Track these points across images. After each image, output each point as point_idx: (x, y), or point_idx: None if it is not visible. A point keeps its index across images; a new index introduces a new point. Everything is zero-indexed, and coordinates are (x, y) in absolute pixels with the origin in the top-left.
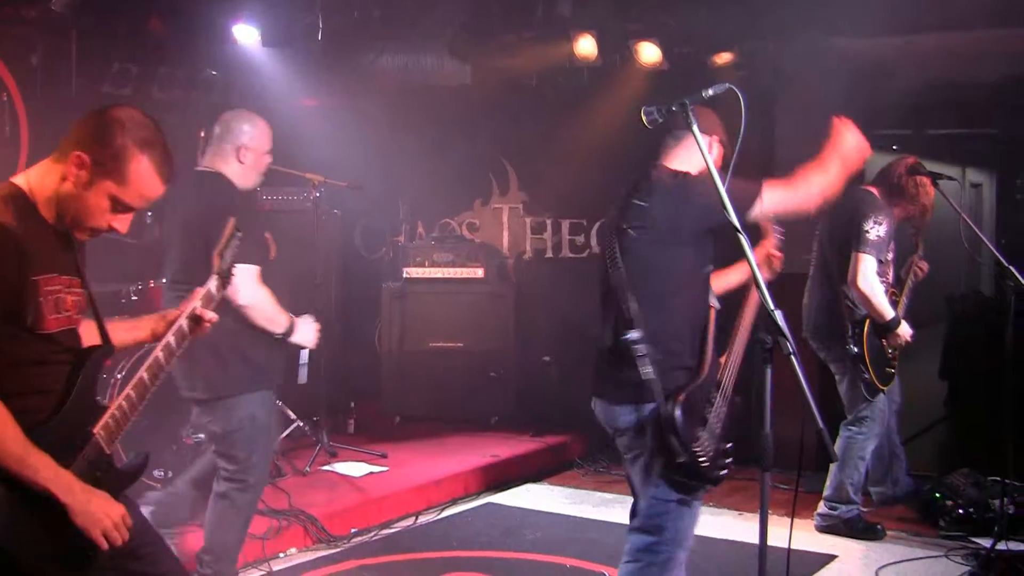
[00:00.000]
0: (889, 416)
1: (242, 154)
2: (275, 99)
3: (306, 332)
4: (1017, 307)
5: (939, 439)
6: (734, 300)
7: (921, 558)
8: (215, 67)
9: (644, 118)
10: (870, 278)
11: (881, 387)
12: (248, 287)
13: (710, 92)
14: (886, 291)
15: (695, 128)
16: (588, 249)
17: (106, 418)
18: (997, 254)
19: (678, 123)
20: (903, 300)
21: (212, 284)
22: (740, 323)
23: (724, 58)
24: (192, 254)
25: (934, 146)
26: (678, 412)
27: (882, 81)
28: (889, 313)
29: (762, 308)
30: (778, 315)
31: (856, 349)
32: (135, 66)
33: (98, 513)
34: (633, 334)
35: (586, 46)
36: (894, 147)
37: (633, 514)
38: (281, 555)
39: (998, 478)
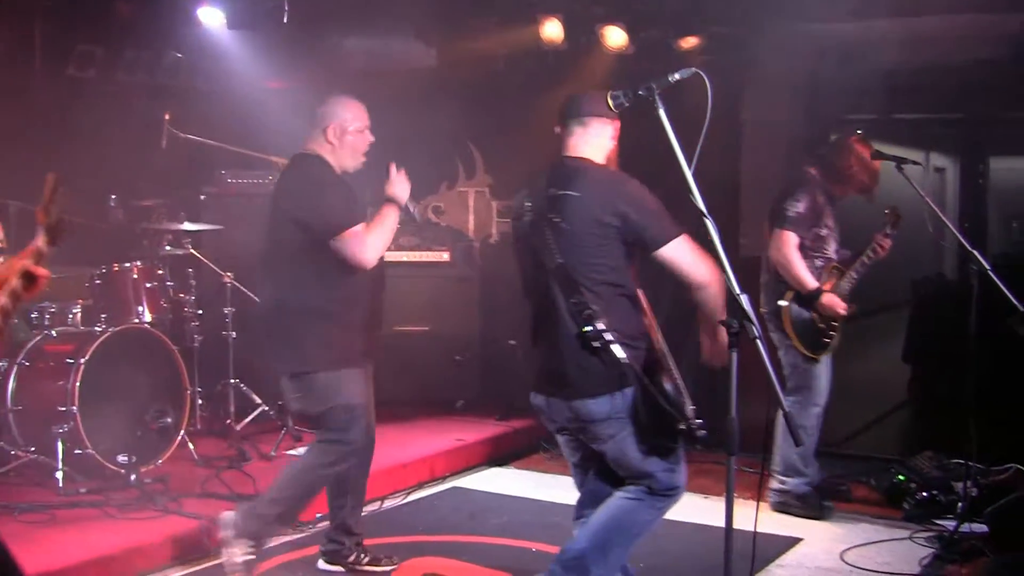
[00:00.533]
0: None
1: (330, 134)
2: (241, 82)
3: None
4: (981, 291)
5: (903, 422)
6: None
7: (886, 540)
8: (180, 49)
9: (611, 102)
10: (784, 250)
11: (811, 356)
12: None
13: (676, 76)
14: (825, 264)
15: (661, 112)
16: None
17: None
18: (961, 238)
19: (582, 109)
20: (849, 274)
21: (40, 240)
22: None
23: (690, 42)
24: (279, 233)
25: (899, 130)
26: (669, 386)
27: (847, 66)
28: (809, 284)
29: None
30: (744, 299)
31: (772, 317)
32: (100, 48)
33: None
34: (599, 324)
35: (552, 30)
36: (859, 131)
37: (583, 504)
38: None
39: (961, 460)
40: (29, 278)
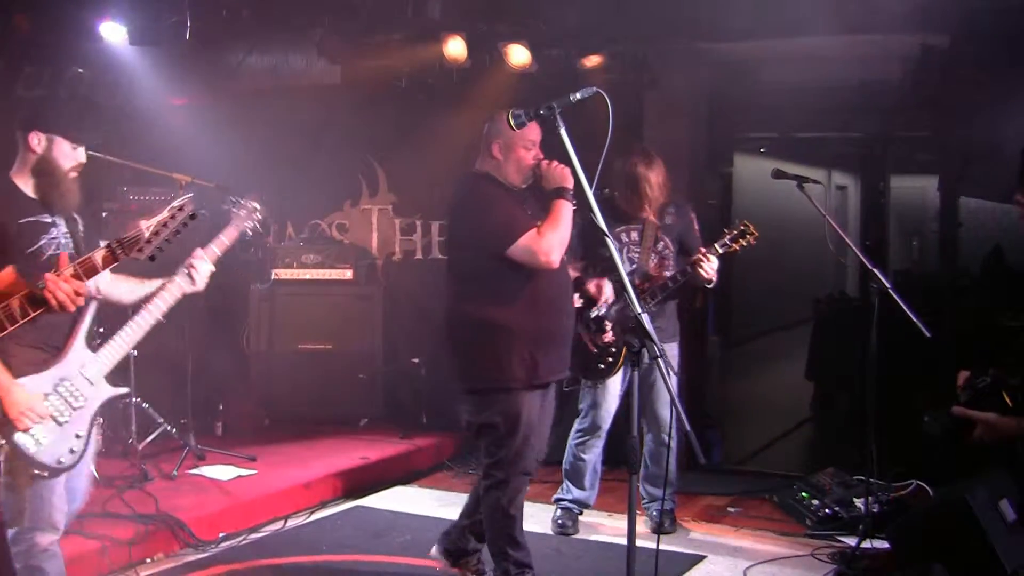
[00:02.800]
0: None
1: (496, 150)
2: (143, 98)
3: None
4: (882, 308)
5: (805, 439)
6: None
7: (788, 557)
8: (82, 65)
9: (512, 121)
10: None
11: (583, 377)
12: None
13: (578, 96)
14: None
15: (563, 131)
16: None
17: None
18: (862, 256)
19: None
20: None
21: (99, 255)
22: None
23: (593, 61)
24: (456, 252)
25: (800, 149)
26: None
27: (747, 84)
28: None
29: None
30: (644, 319)
31: None
32: None
33: None
34: None
35: (456, 47)
36: (761, 150)
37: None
38: (148, 560)
39: (863, 477)
40: (35, 300)
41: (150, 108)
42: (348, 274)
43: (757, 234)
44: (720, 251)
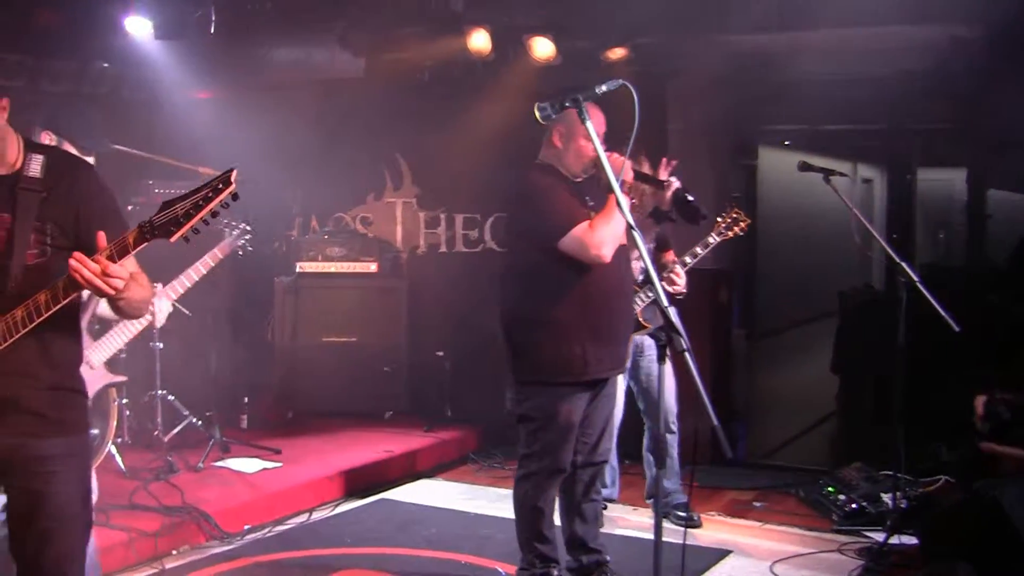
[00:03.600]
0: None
1: (556, 139)
2: (167, 92)
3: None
4: (908, 301)
5: (831, 433)
6: None
7: (815, 552)
8: (107, 60)
9: (537, 113)
10: None
11: None
12: None
13: (603, 88)
14: None
15: (588, 124)
16: (482, 244)
17: None
18: (889, 249)
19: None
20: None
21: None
22: None
23: (617, 53)
24: (512, 245)
25: (826, 141)
26: None
27: (773, 76)
28: None
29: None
30: (672, 312)
31: None
32: (25, 58)
33: None
34: None
35: (479, 40)
36: (786, 143)
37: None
38: (174, 552)
39: (890, 472)
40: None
41: (175, 102)
42: (372, 267)
43: (748, 220)
44: (699, 254)
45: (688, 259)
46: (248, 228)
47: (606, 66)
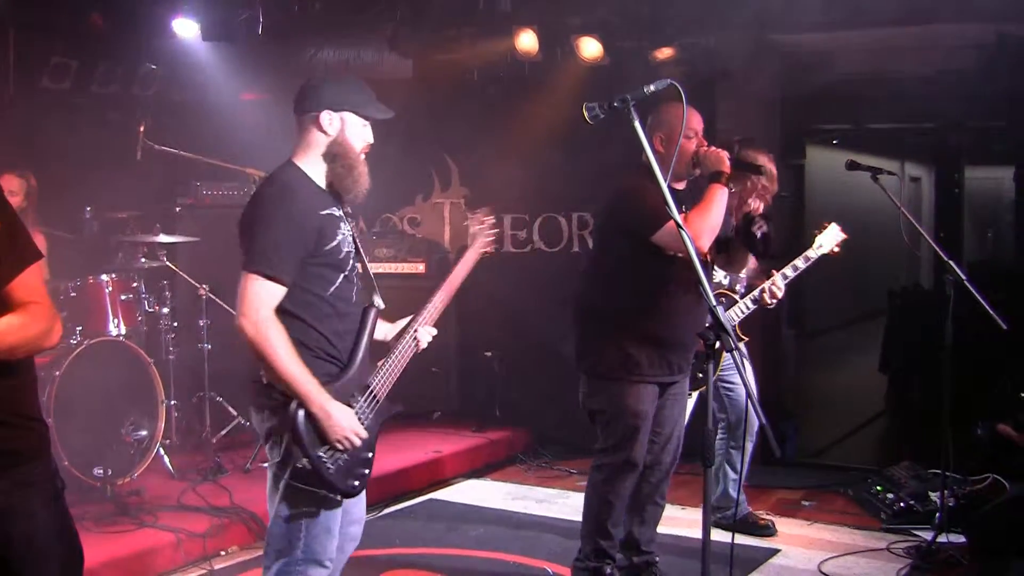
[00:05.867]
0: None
1: (657, 144)
2: (215, 93)
3: None
4: (956, 300)
5: (880, 432)
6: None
7: (863, 551)
8: (155, 61)
9: (586, 114)
10: None
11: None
12: None
13: (652, 88)
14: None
15: (637, 124)
16: (531, 244)
17: None
18: (937, 248)
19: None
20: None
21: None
22: (403, 329)
23: (665, 53)
24: (605, 243)
25: (874, 140)
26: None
27: (820, 75)
28: None
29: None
30: (720, 311)
31: None
32: (74, 61)
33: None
34: None
35: (527, 41)
36: (834, 141)
37: None
38: (223, 553)
39: (938, 471)
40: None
41: (222, 103)
42: (421, 268)
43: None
44: (799, 268)
45: (789, 272)
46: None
47: (654, 66)
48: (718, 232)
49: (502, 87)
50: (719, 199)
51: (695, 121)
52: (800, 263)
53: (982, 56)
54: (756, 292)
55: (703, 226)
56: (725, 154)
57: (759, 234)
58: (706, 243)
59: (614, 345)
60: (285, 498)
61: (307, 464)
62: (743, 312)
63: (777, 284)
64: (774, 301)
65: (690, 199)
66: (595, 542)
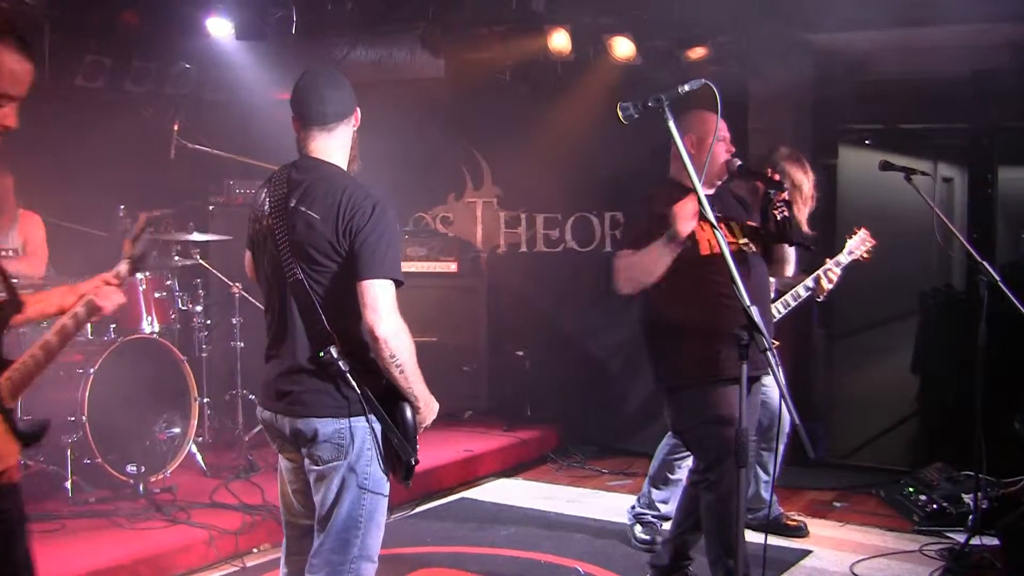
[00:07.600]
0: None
1: (688, 144)
2: (248, 92)
3: None
4: (990, 301)
5: (912, 433)
6: None
7: (895, 553)
8: (188, 60)
9: (620, 113)
10: None
11: None
12: None
13: (686, 88)
14: None
15: (671, 123)
16: (563, 243)
17: (8, 372)
18: (970, 249)
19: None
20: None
21: (122, 267)
22: None
23: (698, 52)
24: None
25: (906, 140)
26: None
27: (853, 75)
28: None
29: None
30: (754, 311)
31: None
32: (108, 59)
33: None
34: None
35: (560, 40)
36: (866, 141)
37: None
38: (255, 550)
39: (971, 472)
40: (92, 309)
41: (255, 102)
42: (452, 267)
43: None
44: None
45: (843, 258)
46: None
47: (686, 65)
48: (656, 280)
49: (534, 86)
50: (658, 252)
51: (723, 127)
52: (844, 258)
53: (1016, 56)
54: (810, 280)
55: (629, 271)
56: (692, 211)
57: (779, 216)
58: (623, 287)
59: (690, 349)
60: (351, 498)
61: (413, 461)
62: (792, 303)
63: (833, 270)
64: (831, 286)
65: (718, 205)
66: (725, 565)
